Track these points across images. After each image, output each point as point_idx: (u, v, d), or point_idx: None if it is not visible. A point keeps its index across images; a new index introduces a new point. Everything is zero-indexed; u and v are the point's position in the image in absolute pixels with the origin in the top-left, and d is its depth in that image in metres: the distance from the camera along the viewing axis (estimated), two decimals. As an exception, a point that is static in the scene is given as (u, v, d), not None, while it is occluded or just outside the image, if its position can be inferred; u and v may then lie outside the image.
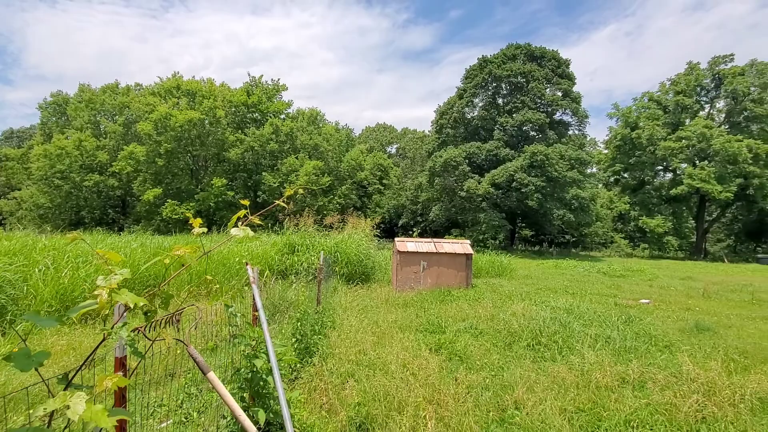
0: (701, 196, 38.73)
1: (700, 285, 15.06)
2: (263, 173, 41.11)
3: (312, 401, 4.20)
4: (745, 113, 38.51)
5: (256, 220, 2.10)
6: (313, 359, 5.17)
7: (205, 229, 1.91)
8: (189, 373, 4.52)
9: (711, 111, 42.23)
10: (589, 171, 39.11)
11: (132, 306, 1.22)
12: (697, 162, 38.08)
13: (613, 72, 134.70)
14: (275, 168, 42.16)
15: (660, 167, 42.33)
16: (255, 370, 2.91)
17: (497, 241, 33.94)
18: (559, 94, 36.34)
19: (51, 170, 37.88)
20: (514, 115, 35.03)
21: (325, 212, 37.46)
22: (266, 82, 48.71)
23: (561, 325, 7.03)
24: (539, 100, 35.56)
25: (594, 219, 39.16)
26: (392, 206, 51.73)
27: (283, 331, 6.30)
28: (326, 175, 42.40)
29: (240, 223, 2.02)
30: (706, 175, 35.56)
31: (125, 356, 1.84)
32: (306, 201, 37.74)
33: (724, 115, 41.24)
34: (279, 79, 49.43)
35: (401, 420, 3.60)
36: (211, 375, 1.97)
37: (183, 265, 1.65)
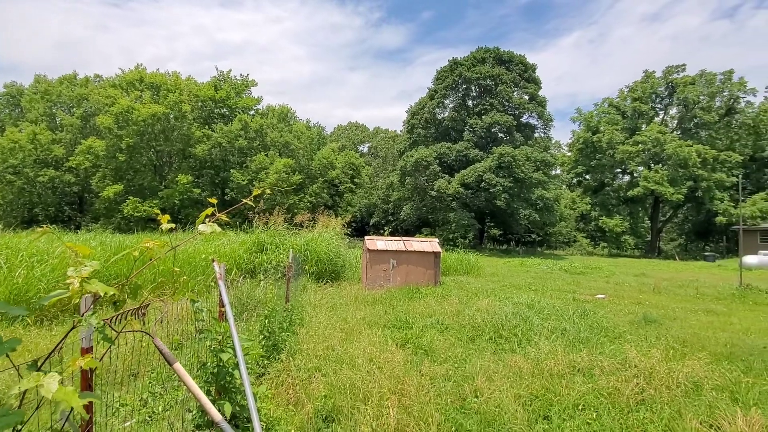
0: (655, 197, 41.06)
1: (651, 281, 16.05)
2: (231, 170, 40.19)
3: (279, 396, 4.28)
4: (695, 120, 41.17)
5: (224, 218, 2.18)
6: (281, 355, 5.23)
7: (173, 225, 1.98)
8: (153, 372, 4.48)
9: (665, 117, 44.85)
10: (553, 173, 40.69)
11: (102, 294, 1.29)
12: (652, 165, 40.34)
13: (577, 77, 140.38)
14: (244, 165, 41.32)
15: (618, 170, 44.51)
16: (221, 364, 2.97)
17: (467, 240, 34.71)
18: (526, 97, 37.56)
19: (3, 165, 35.65)
20: (483, 116, 35.91)
21: (295, 211, 37.06)
22: (235, 77, 47.65)
23: (522, 319, 7.38)
24: (507, 103, 36.62)
25: (558, 219, 40.79)
26: (364, 205, 51.85)
27: (251, 328, 6.31)
28: (297, 173, 41.96)
29: (208, 220, 2.10)
30: (659, 177, 37.73)
31: (91, 347, 1.88)
32: (276, 199, 37.22)
33: (676, 122, 43.90)
34: (248, 75, 48.53)
35: (366, 410, 3.74)
36: (178, 366, 2.03)
37: (151, 259, 1.72)
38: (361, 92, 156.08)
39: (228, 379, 3.08)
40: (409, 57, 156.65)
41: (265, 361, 5.04)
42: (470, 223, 34.67)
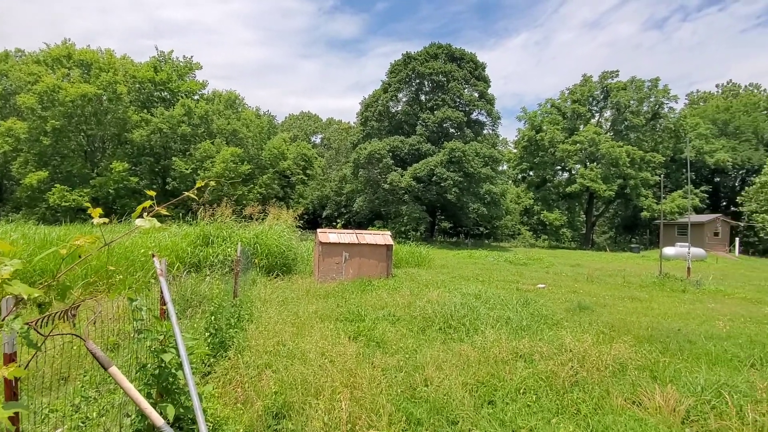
0: (590, 193, 44.23)
1: (585, 271, 17.34)
2: (173, 158, 37.88)
3: (226, 394, 4.14)
4: (626, 123, 44.77)
5: (164, 211, 2.05)
6: (228, 353, 5.05)
7: (106, 220, 1.82)
8: (85, 375, 4.15)
9: (600, 119, 48.31)
10: (500, 168, 42.41)
11: (26, 297, 1.17)
12: (588, 164, 43.39)
13: (523, 77, 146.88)
14: (188, 153, 39.10)
15: (559, 167, 47.39)
16: (163, 365, 2.82)
17: (418, 233, 35.39)
18: (476, 95, 38.73)
19: None
20: (435, 112, 36.59)
21: (244, 202, 35.75)
22: (177, 58, 44.77)
23: (470, 309, 7.68)
24: (458, 100, 37.56)
25: (504, 213, 42.72)
26: (316, 197, 51.06)
27: (196, 326, 6.03)
28: (246, 163, 40.40)
29: (146, 213, 1.96)
30: (594, 175, 40.69)
31: (15, 352, 1.70)
32: (223, 190, 35.65)
33: (609, 124, 47.44)
34: (192, 57, 45.72)
35: (318, 404, 3.73)
36: (114, 369, 1.90)
37: (81, 257, 1.58)
38: (314, 81, 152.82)
39: (170, 380, 2.93)
40: (363, 48, 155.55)
41: (212, 360, 4.85)
42: (422, 216, 35.36)
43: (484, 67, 39.18)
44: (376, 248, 12.65)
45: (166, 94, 42.80)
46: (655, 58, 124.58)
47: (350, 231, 13.13)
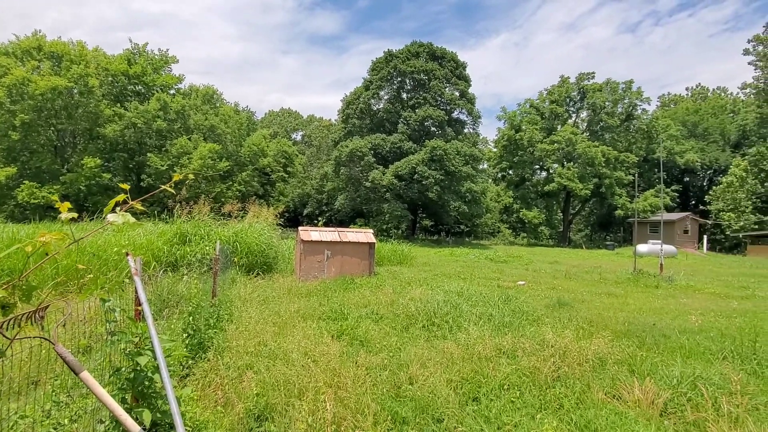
0: (567, 192, 45.26)
1: (563, 268, 17.73)
2: (148, 154, 36.77)
3: (206, 397, 4.01)
4: (601, 123, 46.00)
5: (139, 206, 1.94)
6: (208, 354, 4.91)
7: (75, 214, 1.71)
8: (57, 380, 3.95)
9: (576, 120, 49.44)
10: (480, 167, 42.92)
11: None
12: (565, 163, 44.37)
13: (503, 77, 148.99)
14: (163, 149, 38.01)
15: (537, 166, 48.29)
16: (139, 368, 2.69)
17: (400, 231, 35.46)
18: (457, 94, 39.02)
19: None
20: (416, 110, 36.68)
21: (223, 200, 35.04)
22: (152, 51, 43.47)
23: (452, 306, 7.71)
24: (439, 98, 37.76)
25: (484, 211, 43.27)
26: (297, 195, 50.51)
27: (173, 327, 5.84)
28: (224, 159, 39.58)
29: (119, 208, 1.85)
30: (571, 174, 41.64)
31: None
32: (201, 187, 34.86)
33: (586, 124, 48.62)
34: (168, 50, 44.49)
35: (301, 405, 3.65)
36: (85, 374, 1.79)
37: (48, 254, 1.47)
38: (295, 78, 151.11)
39: (146, 383, 2.80)
40: (345, 45, 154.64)
41: (190, 362, 4.70)
42: (403, 214, 35.44)
43: (465, 67, 39.50)
44: (359, 246, 12.57)
45: (140, 87, 41.47)
46: (628, 60, 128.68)
47: (332, 229, 13.01)
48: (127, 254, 3.26)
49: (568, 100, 48.12)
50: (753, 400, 3.95)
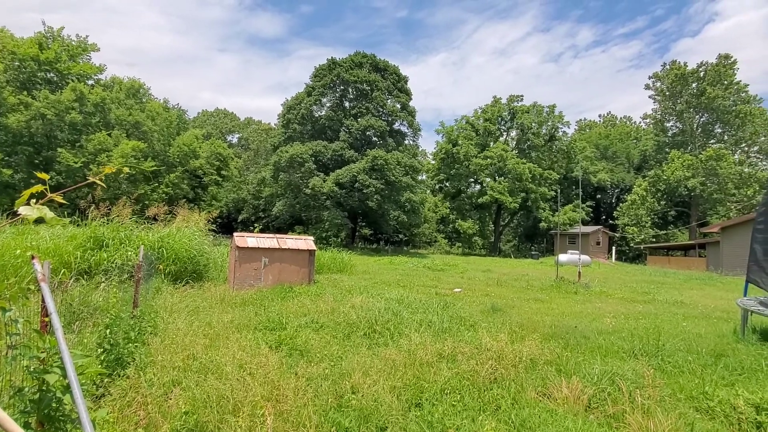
0: (498, 205, 48.11)
1: (495, 276, 18.70)
2: (59, 149, 32.89)
3: (125, 419, 3.59)
4: (528, 142, 49.73)
5: (59, 199, 1.70)
6: (127, 371, 4.42)
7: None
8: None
9: (507, 138, 52.96)
10: (420, 178, 44.20)
11: None
12: (497, 177, 47.22)
13: (441, 94, 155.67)
14: (78, 145, 34.25)
15: (472, 179, 50.80)
16: (46, 388, 2.32)
17: (339, 239, 35.18)
18: (398, 106, 39.97)
19: None
20: (359, 119, 36.93)
21: (147, 202, 32.32)
22: (68, 36, 39.23)
23: (393, 314, 7.75)
24: (381, 109, 38.40)
25: (422, 221, 44.52)
26: (231, 200, 48.11)
27: (86, 341, 5.19)
28: (150, 159, 36.62)
29: (34, 201, 1.61)
30: (502, 188, 44.39)
31: None
32: (121, 188, 31.87)
33: (515, 142, 52.25)
34: (87, 37, 40.41)
35: (236, 422, 3.40)
36: (-23, 398, 1.49)
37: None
38: (232, 78, 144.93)
39: (55, 405, 2.43)
40: (287, 49, 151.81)
41: (107, 380, 4.19)
42: (343, 222, 35.25)
43: (407, 80, 40.65)
44: (298, 253, 12.23)
45: (52, 75, 37.13)
46: (552, 87, 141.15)
47: (270, 235, 12.52)
48: (33, 257, 2.83)
49: (500, 119, 51.42)
50: (660, 392, 4.41)
